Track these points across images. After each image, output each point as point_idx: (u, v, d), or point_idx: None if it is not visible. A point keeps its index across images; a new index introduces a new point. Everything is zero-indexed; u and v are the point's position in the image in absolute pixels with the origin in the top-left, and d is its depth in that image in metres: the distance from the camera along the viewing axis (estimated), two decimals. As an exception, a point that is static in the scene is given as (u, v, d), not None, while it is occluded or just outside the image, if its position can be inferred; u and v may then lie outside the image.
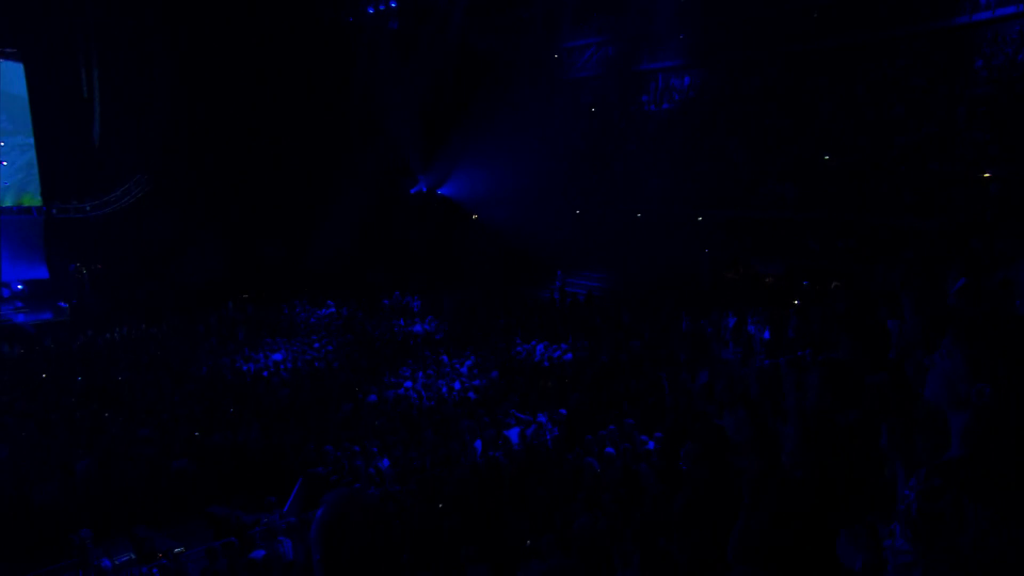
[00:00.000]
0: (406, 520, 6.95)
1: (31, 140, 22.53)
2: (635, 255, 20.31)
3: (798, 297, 15.93)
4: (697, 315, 16.53)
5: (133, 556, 8.37)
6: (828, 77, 19.87)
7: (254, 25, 22.19)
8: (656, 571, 3.08)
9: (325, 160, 24.02)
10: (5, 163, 22.29)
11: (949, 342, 1.51)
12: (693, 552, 3.32)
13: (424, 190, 26.56)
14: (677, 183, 20.73)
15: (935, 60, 18.03)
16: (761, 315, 15.51)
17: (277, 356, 17.07)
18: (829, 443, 2.56)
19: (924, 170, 15.63)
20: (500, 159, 22.96)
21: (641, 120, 24.92)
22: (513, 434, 10.97)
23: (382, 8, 24.66)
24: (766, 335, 14.85)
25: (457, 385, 14.33)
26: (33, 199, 22.95)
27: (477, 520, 6.43)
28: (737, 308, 16.06)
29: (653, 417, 11.10)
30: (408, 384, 14.46)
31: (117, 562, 8.07)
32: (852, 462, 2.61)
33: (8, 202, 22.71)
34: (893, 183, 16.01)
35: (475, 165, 24.16)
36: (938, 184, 15.09)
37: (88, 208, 22.47)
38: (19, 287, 22.14)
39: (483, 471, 8.11)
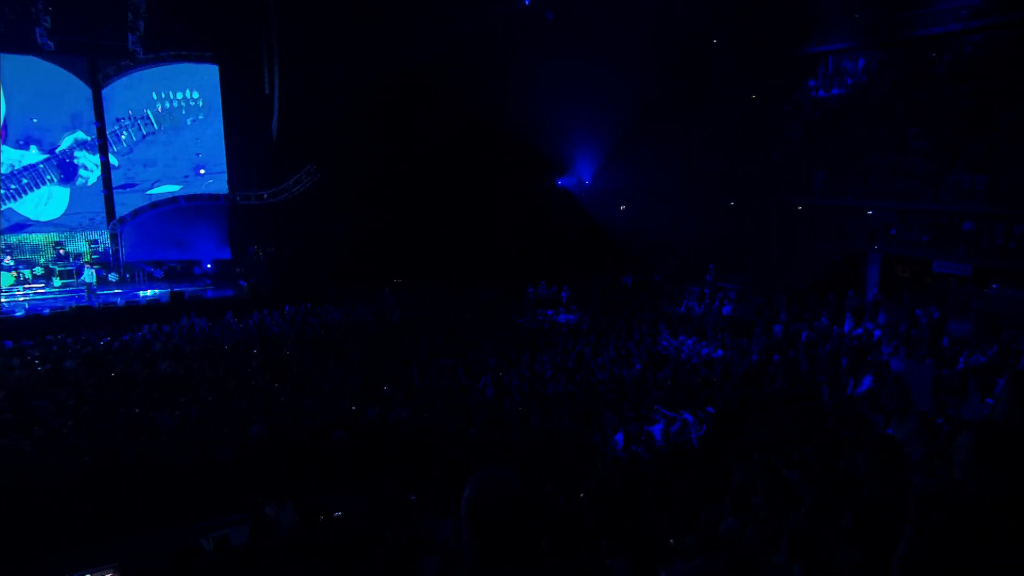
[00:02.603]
0: (548, 507, 6.99)
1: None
2: (795, 250, 19.16)
3: (984, 300, 14.32)
4: (862, 317, 15.32)
5: (296, 517, 9.10)
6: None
7: (418, 22, 23.11)
8: (816, 586, 2.87)
9: (481, 152, 24.60)
10: (200, 154, 24.94)
11: None
12: (860, 568, 3.06)
13: (572, 181, 26.54)
14: (845, 174, 19.25)
15: None
16: (935, 317, 14.11)
17: (427, 339, 17.81)
18: (1012, 457, 2.24)
19: None
20: (653, 149, 22.44)
21: (807, 107, 23.37)
22: (656, 430, 10.74)
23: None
24: (944, 342, 13.48)
25: (603, 376, 14.24)
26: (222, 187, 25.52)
27: (619, 514, 6.33)
28: (909, 310, 14.71)
29: (808, 423, 10.45)
30: (548, 374, 14.57)
31: (282, 521, 8.81)
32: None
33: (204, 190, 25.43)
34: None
35: (627, 155, 23.75)
36: None
37: (265, 195, 24.62)
38: (208, 266, 24.79)
39: (626, 465, 7.99)
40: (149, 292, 21.66)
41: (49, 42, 20.98)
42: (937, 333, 13.89)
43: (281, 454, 10.91)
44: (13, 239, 22.69)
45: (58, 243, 23.11)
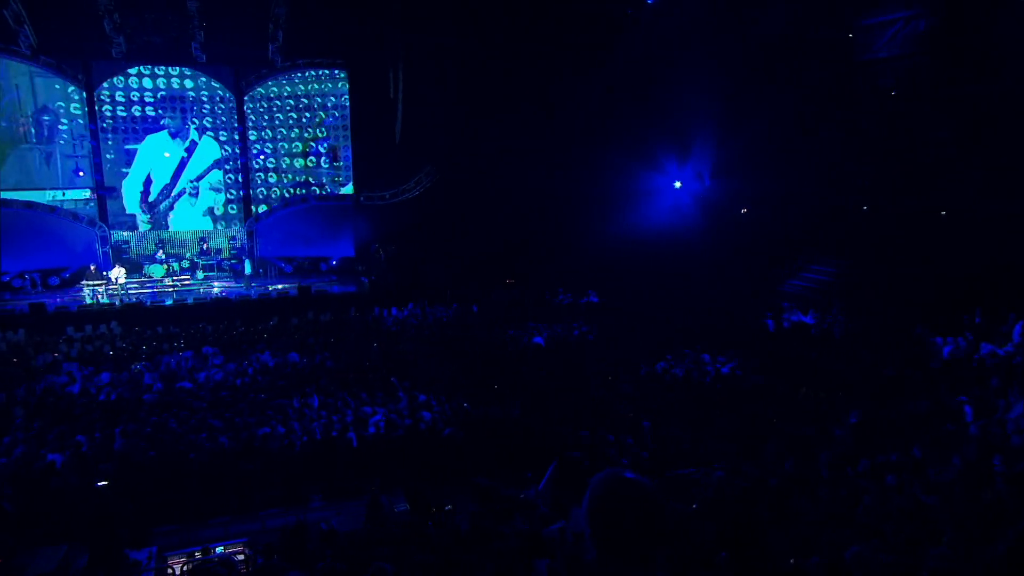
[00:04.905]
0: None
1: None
2: (938, 257, 17.68)
3: None
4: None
5: (407, 507, 9.38)
6: None
7: (533, 28, 23.21)
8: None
9: (594, 156, 24.40)
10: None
11: None
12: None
13: (683, 183, 25.71)
14: (1001, 174, 17.54)
15: None
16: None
17: (537, 340, 17.86)
18: None
19: None
20: (781, 149, 21.42)
21: (958, 103, 21.36)
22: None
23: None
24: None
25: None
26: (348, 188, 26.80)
27: (735, 528, 6.07)
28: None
29: (948, 447, 9.58)
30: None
31: (396, 510, 9.12)
32: None
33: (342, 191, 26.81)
34: None
35: (751, 155, 22.75)
36: None
37: (387, 196, 25.62)
38: (334, 263, 26.15)
39: (744, 480, 7.66)
40: (280, 286, 23.06)
41: (202, 54, 22.99)
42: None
43: (396, 446, 11.26)
44: (165, 234, 24.90)
45: (202, 239, 25.11)
